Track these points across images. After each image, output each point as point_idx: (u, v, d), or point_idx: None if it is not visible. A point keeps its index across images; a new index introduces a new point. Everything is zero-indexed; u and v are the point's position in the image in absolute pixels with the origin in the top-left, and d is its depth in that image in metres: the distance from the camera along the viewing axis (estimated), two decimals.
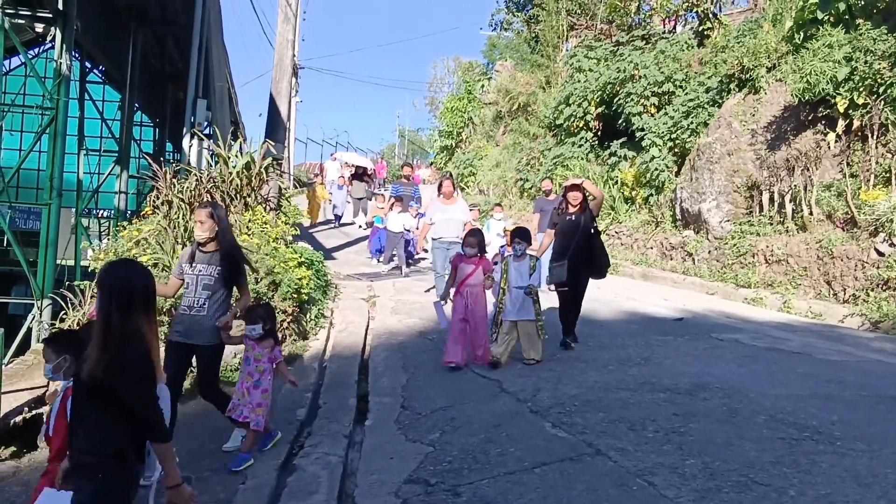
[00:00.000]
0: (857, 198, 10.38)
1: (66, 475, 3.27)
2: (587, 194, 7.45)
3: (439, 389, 6.30)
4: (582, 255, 7.21)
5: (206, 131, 13.45)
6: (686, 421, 4.91)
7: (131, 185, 17.28)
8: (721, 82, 14.44)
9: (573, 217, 7.33)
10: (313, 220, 19.94)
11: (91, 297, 7.40)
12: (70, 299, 7.66)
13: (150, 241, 8.09)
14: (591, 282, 7.62)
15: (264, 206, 9.72)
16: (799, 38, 12.62)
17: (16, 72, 18.00)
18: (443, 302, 7.14)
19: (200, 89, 12.90)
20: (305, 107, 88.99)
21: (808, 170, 11.33)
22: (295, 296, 7.79)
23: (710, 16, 17.42)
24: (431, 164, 34.89)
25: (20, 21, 10.59)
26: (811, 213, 11.01)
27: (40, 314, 10.37)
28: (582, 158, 18.14)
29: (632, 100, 16.47)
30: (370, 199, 20.10)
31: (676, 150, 14.94)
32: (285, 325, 7.65)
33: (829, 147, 11.27)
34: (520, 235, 6.96)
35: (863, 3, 11.59)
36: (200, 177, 9.16)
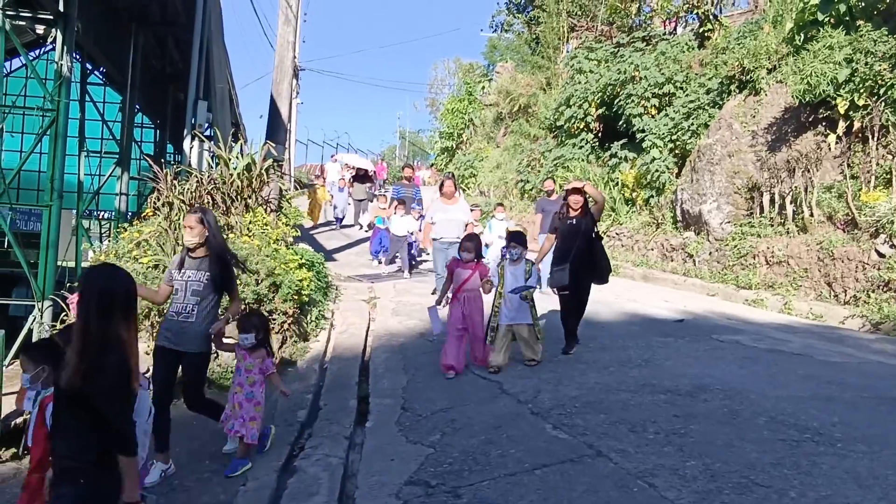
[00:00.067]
0: (857, 199, 10.38)
1: (52, 484, 3.21)
2: (588, 198, 7.43)
3: (440, 391, 6.30)
4: (583, 260, 7.14)
5: (207, 133, 13.45)
6: (687, 422, 4.91)
7: (132, 187, 17.28)
8: (721, 84, 14.45)
9: (574, 221, 7.27)
10: (314, 221, 19.96)
11: None
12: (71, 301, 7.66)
13: (150, 243, 8.10)
14: (593, 286, 7.58)
15: (265, 207, 9.72)
16: (799, 40, 12.63)
17: (16, 73, 18.03)
18: (438, 307, 7.09)
19: (201, 91, 12.91)
20: (306, 108, 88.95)
21: (808, 171, 11.33)
22: (296, 297, 7.79)
23: (711, 17, 17.44)
24: (432, 165, 34.94)
25: (21, 23, 10.59)
26: (812, 215, 11.01)
27: (41, 316, 10.36)
28: (582, 160, 18.16)
29: (632, 101, 16.49)
30: (371, 202, 20.09)
31: (677, 151, 14.95)
32: (286, 326, 7.65)
33: (829, 148, 11.27)
34: (515, 239, 6.90)
35: (863, 4, 11.58)
36: (201, 178, 9.16)
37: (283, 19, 12.74)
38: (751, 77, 13.45)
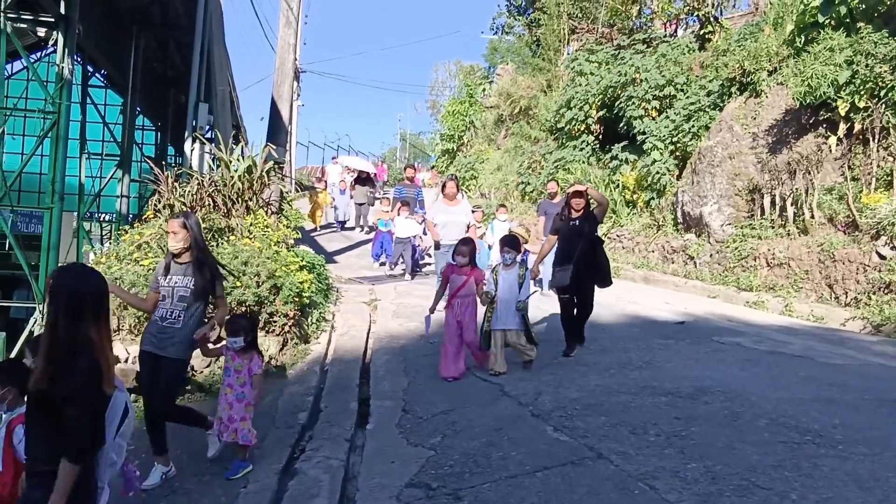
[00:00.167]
0: (858, 201, 10.38)
1: (26, 486, 3.13)
2: (591, 200, 7.38)
3: (440, 393, 6.30)
4: (586, 261, 7.11)
5: (208, 135, 13.46)
6: (688, 424, 4.90)
7: (133, 189, 17.29)
8: (722, 86, 14.45)
9: (577, 223, 7.23)
10: (315, 224, 19.97)
11: None
12: None
13: (151, 245, 8.11)
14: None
15: (266, 209, 9.73)
16: (800, 42, 12.63)
17: (18, 76, 18.07)
18: (431, 313, 7.00)
19: (202, 93, 12.93)
20: (307, 110, 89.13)
21: (809, 173, 11.33)
22: (296, 299, 7.80)
23: (711, 19, 17.46)
24: (433, 167, 34.95)
25: (22, 25, 10.61)
26: (812, 217, 11.01)
27: (42, 318, 10.36)
28: (583, 162, 18.16)
29: (633, 103, 16.49)
30: (372, 205, 20.10)
31: (678, 153, 14.95)
32: (287, 328, 7.66)
33: (830, 150, 11.27)
34: (508, 244, 6.82)
35: (864, 6, 11.59)
36: (202, 181, 9.17)
37: (284, 21, 12.77)
38: (751, 79, 13.46)
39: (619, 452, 4.46)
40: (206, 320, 5.15)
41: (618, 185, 16.34)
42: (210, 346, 5.13)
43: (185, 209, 8.43)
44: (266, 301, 7.50)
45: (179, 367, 5.05)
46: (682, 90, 15.88)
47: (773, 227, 11.75)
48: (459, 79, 42.49)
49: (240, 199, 9.27)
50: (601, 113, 18.24)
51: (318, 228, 19.98)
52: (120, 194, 16.66)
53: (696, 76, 16.05)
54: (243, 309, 7.35)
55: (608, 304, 9.98)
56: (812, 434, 4.65)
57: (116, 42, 14.67)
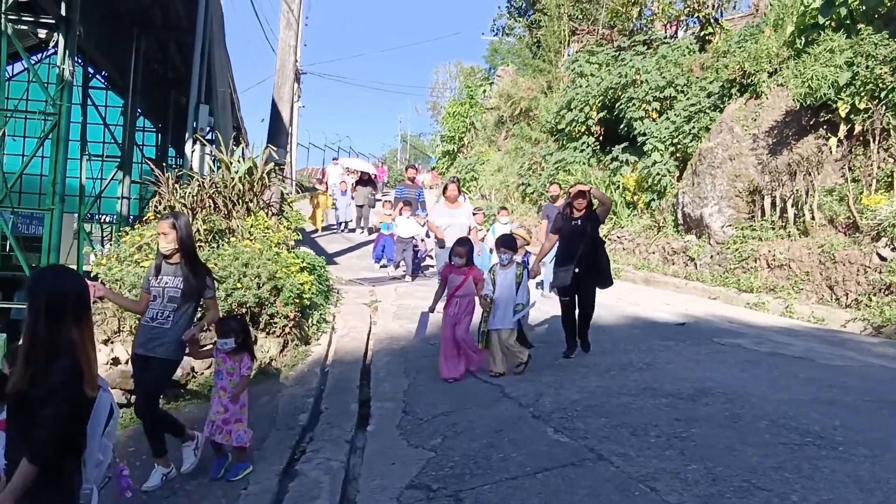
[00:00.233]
0: (858, 202, 10.38)
1: None
2: (593, 199, 7.32)
3: (441, 394, 6.30)
4: (588, 262, 7.08)
5: (209, 136, 13.47)
6: (688, 426, 4.90)
7: (134, 191, 17.30)
8: (722, 87, 14.46)
9: (579, 222, 7.19)
10: (316, 225, 19.98)
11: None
12: None
13: (152, 247, 8.10)
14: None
15: (266, 211, 9.73)
16: (800, 43, 12.64)
17: (19, 77, 18.06)
18: (430, 312, 6.96)
19: (203, 95, 12.93)
20: (308, 112, 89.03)
21: (809, 174, 11.33)
22: (297, 301, 7.80)
23: (712, 21, 17.47)
24: (433, 168, 34.95)
25: (23, 27, 10.61)
26: (813, 218, 11.01)
27: None
28: (584, 163, 18.17)
29: (633, 105, 16.50)
30: (373, 207, 20.11)
31: (678, 154, 14.96)
32: (287, 330, 7.66)
33: (830, 152, 11.28)
34: (505, 244, 6.80)
35: (864, 7, 11.60)
36: (202, 182, 9.17)
37: (285, 23, 12.80)
38: (752, 80, 13.46)
39: (619, 454, 4.46)
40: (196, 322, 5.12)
41: (618, 187, 16.35)
42: (200, 347, 5.10)
43: (185, 211, 8.44)
44: (267, 302, 7.50)
45: (167, 367, 5.00)
46: (682, 91, 15.89)
47: (773, 229, 11.76)
48: (460, 80, 42.51)
49: (240, 201, 9.28)
50: (601, 114, 18.25)
51: (319, 230, 19.99)
52: (120, 196, 16.66)
53: (697, 77, 16.06)
54: (244, 310, 7.36)
55: (609, 305, 9.98)
56: (813, 435, 4.65)
57: (117, 44, 14.68)
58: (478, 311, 6.84)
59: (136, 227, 9.68)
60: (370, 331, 9.01)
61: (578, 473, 4.23)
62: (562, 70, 23.10)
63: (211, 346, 5.19)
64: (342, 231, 20.50)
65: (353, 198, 20.31)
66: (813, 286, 10.49)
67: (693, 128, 14.60)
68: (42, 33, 10.94)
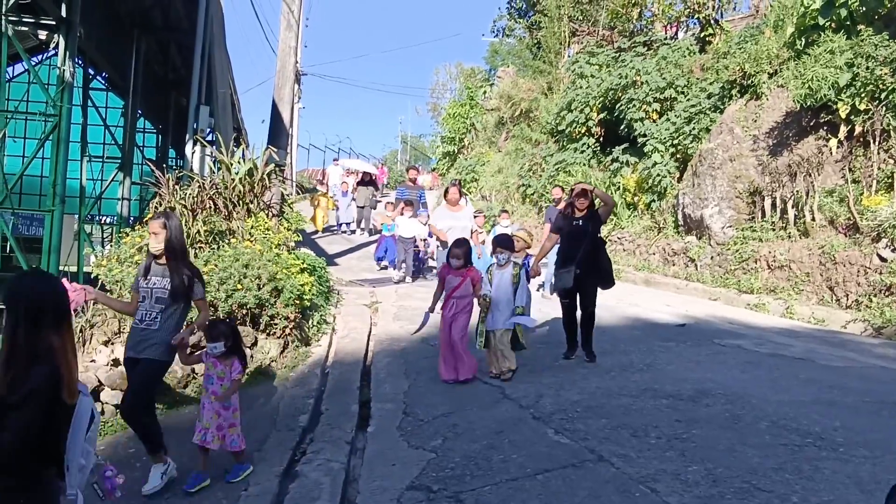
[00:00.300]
0: (859, 203, 10.38)
1: None
2: (596, 199, 7.25)
3: (441, 395, 6.29)
4: (588, 262, 7.01)
5: (209, 138, 13.47)
6: (689, 427, 4.90)
7: (134, 192, 17.27)
8: (723, 88, 14.46)
9: (580, 222, 7.12)
10: (317, 226, 19.98)
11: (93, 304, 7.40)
12: None
13: None
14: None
15: (267, 212, 9.73)
16: (800, 44, 12.64)
17: (19, 79, 18.04)
18: (431, 312, 6.92)
19: (203, 96, 12.92)
20: (308, 113, 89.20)
21: (810, 175, 11.33)
22: (297, 302, 7.79)
23: (712, 22, 17.47)
24: (433, 169, 34.96)
25: (23, 28, 10.60)
26: (813, 219, 11.01)
27: None
28: (584, 164, 18.17)
29: (634, 106, 16.50)
30: (374, 208, 20.11)
31: (678, 155, 14.96)
32: (287, 331, 7.66)
33: (830, 153, 11.28)
34: (500, 244, 6.76)
35: (864, 9, 11.60)
36: (203, 183, 9.17)
37: (285, 25, 12.81)
38: (752, 81, 13.47)
39: (620, 455, 4.46)
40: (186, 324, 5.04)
41: (619, 188, 16.35)
42: (188, 353, 5.00)
43: (185, 212, 8.44)
44: (267, 303, 7.50)
45: (156, 368, 4.89)
46: (682, 92, 15.89)
47: (773, 230, 11.75)
48: (460, 81, 42.51)
49: (241, 202, 9.27)
50: (602, 115, 18.25)
51: (320, 231, 19.99)
52: (121, 197, 16.64)
53: (697, 79, 16.06)
54: (244, 312, 7.36)
55: (609, 306, 9.98)
56: (813, 437, 4.65)
57: (118, 45, 14.67)
58: (475, 313, 6.82)
59: (136, 228, 9.67)
60: (370, 332, 9.01)
61: (579, 475, 4.23)
62: (562, 71, 23.11)
63: (200, 350, 5.11)
64: (342, 232, 20.50)
65: (354, 199, 20.30)
66: (813, 287, 10.49)
67: (693, 129, 14.60)
68: (42, 35, 10.93)
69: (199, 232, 8.37)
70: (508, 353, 6.58)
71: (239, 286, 7.34)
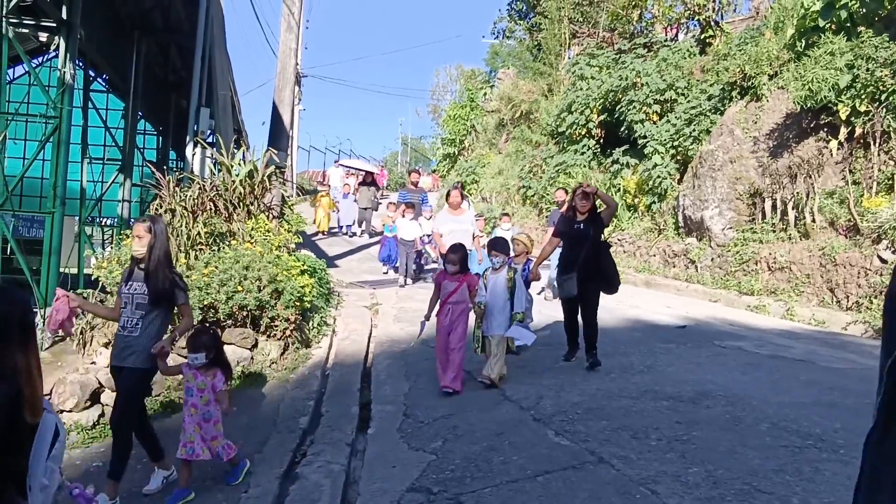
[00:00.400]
0: (859, 205, 10.38)
1: None
2: (598, 202, 7.17)
3: (441, 397, 6.29)
4: (589, 266, 6.87)
5: (210, 140, 13.48)
6: (689, 429, 4.90)
7: (135, 194, 17.29)
8: (723, 90, 14.46)
9: (581, 226, 7.00)
10: (318, 227, 19.96)
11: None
12: None
13: None
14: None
15: (267, 214, 9.74)
16: (801, 46, 12.65)
17: (20, 81, 18.07)
18: (426, 320, 6.83)
19: (203, 98, 12.93)
20: (308, 115, 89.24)
21: (810, 177, 11.33)
22: (297, 304, 7.80)
23: (712, 24, 17.49)
24: (434, 171, 34.97)
25: (24, 30, 10.62)
26: (814, 221, 11.01)
27: (43, 322, 10.36)
28: (584, 166, 18.17)
29: (634, 107, 16.51)
30: (375, 210, 20.09)
31: (679, 157, 14.97)
32: (288, 333, 7.67)
33: (831, 154, 11.28)
34: (496, 247, 6.68)
35: (864, 10, 11.61)
36: (203, 185, 9.18)
37: (286, 26, 12.81)
38: (752, 83, 13.47)
39: (620, 457, 4.46)
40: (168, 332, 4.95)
41: (619, 189, 16.35)
42: (168, 362, 4.86)
43: (186, 213, 8.45)
44: (267, 305, 7.50)
45: (139, 376, 4.77)
46: (682, 94, 15.90)
47: (774, 231, 11.75)
48: (460, 83, 42.51)
49: (241, 204, 9.28)
50: (602, 117, 18.26)
51: (321, 233, 19.98)
52: (121, 199, 16.66)
53: (697, 80, 16.07)
54: (244, 313, 7.37)
55: (609, 308, 9.96)
56: (814, 438, 4.64)
57: (118, 47, 14.69)
58: (472, 318, 6.78)
59: None
60: (371, 334, 9.01)
61: (579, 476, 4.23)
62: (562, 73, 23.11)
63: (180, 363, 4.98)
64: (344, 234, 20.49)
65: (355, 200, 20.26)
66: (814, 289, 10.49)
67: (693, 130, 14.61)
68: (43, 37, 10.95)
69: (199, 234, 8.38)
70: (496, 357, 6.47)
71: (239, 288, 7.34)
